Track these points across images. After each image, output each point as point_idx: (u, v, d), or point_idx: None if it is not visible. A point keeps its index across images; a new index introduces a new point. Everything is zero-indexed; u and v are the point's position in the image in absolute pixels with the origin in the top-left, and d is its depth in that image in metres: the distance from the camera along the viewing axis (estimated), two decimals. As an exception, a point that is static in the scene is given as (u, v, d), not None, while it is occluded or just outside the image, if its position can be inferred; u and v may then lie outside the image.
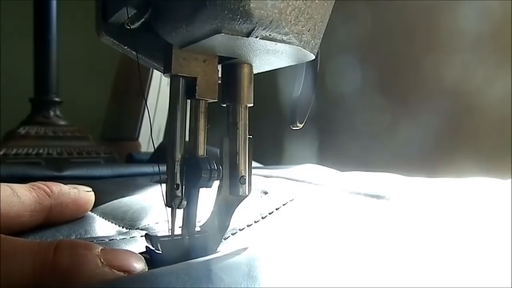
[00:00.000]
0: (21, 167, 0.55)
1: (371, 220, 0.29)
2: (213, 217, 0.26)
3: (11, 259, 0.20)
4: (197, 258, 0.24)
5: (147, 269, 0.23)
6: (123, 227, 0.32)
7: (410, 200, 0.31)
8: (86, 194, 0.32)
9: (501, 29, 0.60)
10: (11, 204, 0.28)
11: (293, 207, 0.33)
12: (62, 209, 0.30)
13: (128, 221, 0.32)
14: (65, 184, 0.32)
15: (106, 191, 0.34)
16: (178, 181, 0.24)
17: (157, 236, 0.25)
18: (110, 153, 0.86)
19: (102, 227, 0.31)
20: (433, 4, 0.69)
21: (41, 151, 0.79)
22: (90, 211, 0.33)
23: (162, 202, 0.25)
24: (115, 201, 0.37)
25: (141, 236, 0.29)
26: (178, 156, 0.24)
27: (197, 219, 0.26)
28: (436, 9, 0.69)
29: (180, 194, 0.24)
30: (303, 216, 0.32)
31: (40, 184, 0.30)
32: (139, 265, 0.22)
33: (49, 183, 0.31)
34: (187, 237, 0.25)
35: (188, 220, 0.25)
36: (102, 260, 0.21)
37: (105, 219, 0.33)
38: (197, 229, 0.26)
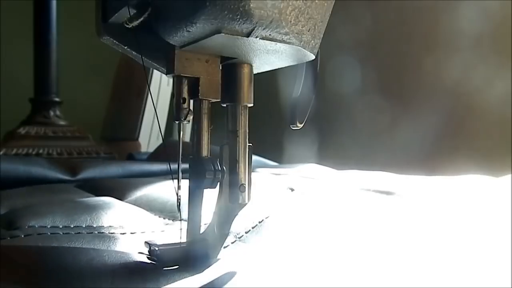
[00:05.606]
0: (39, 168, 0.55)
1: (386, 215, 0.29)
2: (213, 225, 0.26)
3: None
4: (197, 265, 0.23)
5: None
6: (164, 218, 0.33)
7: (419, 197, 0.32)
8: None
9: (501, 29, 0.60)
10: None
11: (308, 204, 0.34)
12: None
13: (169, 213, 0.34)
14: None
15: (129, 185, 0.35)
16: (185, 95, 0.24)
17: (156, 244, 0.24)
18: (110, 153, 0.86)
19: (145, 218, 0.33)
20: (433, 4, 0.69)
21: (41, 151, 0.79)
22: (125, 201, 0.35)
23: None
24: (146, 193, 0.38)
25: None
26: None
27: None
28: (436, 9, 0.69)
29: (187, 107, 0.24)
30: (315, 212, 0.32)
31: None
32: None
33: None
34: (185, 245, 0.25)
35: (193, 221, 0.25)
36: None
37: (144, 209, 0.34)
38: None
